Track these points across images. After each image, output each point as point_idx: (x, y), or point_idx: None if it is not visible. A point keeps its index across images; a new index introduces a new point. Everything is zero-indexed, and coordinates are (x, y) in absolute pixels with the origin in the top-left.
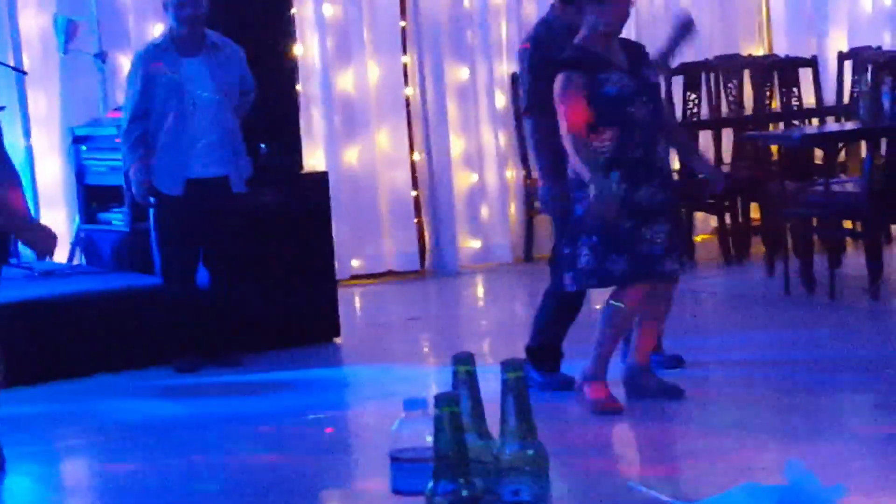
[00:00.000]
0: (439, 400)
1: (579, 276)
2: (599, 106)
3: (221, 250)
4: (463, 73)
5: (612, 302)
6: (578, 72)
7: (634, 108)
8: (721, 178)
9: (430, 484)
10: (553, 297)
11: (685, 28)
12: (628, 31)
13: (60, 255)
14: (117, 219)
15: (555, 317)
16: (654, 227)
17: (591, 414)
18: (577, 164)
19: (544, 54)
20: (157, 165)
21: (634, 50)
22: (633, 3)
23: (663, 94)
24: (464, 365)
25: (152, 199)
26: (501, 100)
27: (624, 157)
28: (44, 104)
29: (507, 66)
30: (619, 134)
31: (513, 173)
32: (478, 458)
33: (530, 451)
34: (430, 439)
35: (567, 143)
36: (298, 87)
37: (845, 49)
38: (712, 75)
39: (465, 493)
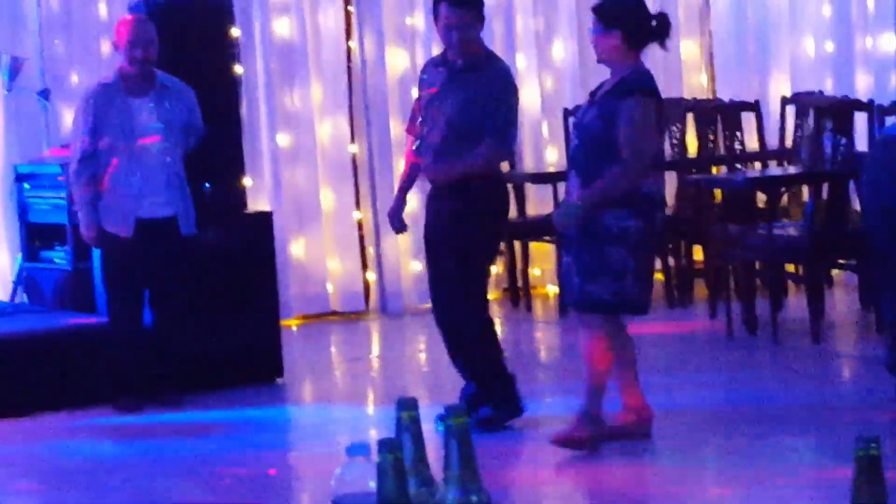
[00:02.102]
0: (382, 446)
1: None
2: None
3: (167, 291)
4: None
5: None
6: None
7: (572, 139)
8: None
9: None
10: None
11: None
12: (573, 64)
13: (2, 294)
14: (60, 257)
15: None
16: (565, 257)
17: (532, 460)
18: None
19: None
20: (105, 206)
21: (616, 86)
22: (593, 44)
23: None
24: (407, 410)
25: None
26: None
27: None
28: None
29: None
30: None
31: None
32: None
33: (473, 498)
34: (373, 485)
35: None
36: (243, 119)
37: (788, 94)
38: None
39: None
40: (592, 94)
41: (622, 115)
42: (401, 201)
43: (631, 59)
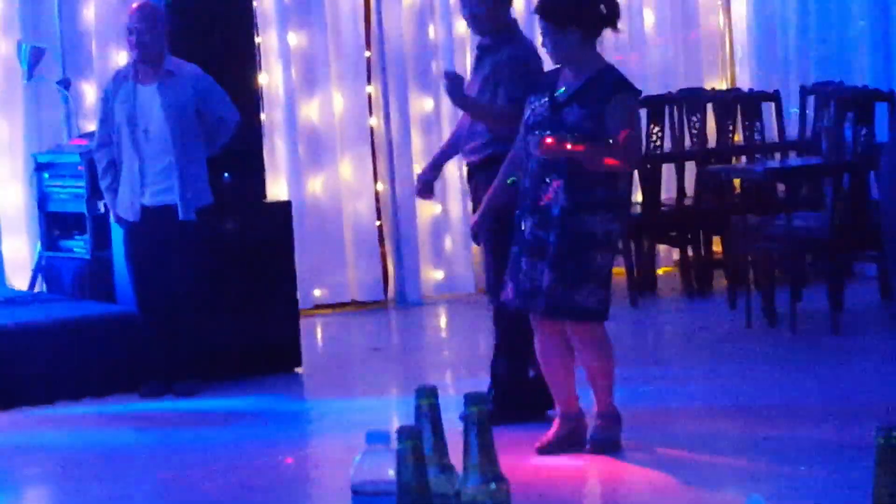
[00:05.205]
0: (402, 433)
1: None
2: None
3: (176, 279)
4: (427, 103)
5: None
6: (528, 96)
7: (532, 138)
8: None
9: None
10: None
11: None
12: None
13: (22, 283)
14: (79, 246)
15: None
16: (531, 261)
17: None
18: None
19: None
20: (119, 192)
21: (590, 84)
22: (547, 47)
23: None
24: (426, 398)
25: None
26: None
27: (522, 185)
28: (6, 131)
29: None
30: (524, 160)
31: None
32: (440, 491)
33: (492, 485)
34: (392, 473)
35: None
36: (262, 116)
37: (808, 84)
38: (676, 109)
39: None
40: (542, 92)
41: (616, 110)
42: (433, 165)
43: (593, 53)
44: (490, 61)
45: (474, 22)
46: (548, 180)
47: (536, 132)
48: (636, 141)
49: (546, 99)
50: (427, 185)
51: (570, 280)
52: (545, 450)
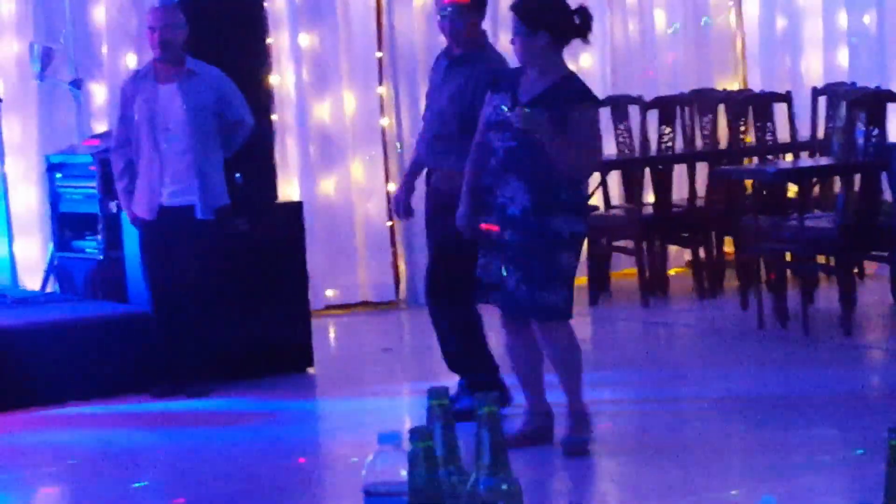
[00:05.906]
0: (414, 434)
1: None
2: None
3: (188, 279)
4: None
5: None
6: (490, 92)
7: (494, 136)
8: None
9: None
10: None
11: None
12: (603, 57)
13: (34, 283)
14: (91, 247)
15: None
16: (489, 257)
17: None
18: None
19: None
20: (137, 191)
21: (554, 89)
22: (515, 45)
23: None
24: (438, 399)
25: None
26: None
27: (478, 181)
28: (19, 131)
29: None
30: (485, 157)
31: None
32: (452, 493)
33: (504, 486)
34: (404, 474)
35: None
36: (274, 117)
37: (820, 85)
38: (687, 109)
39: None
40: (504, 91)
41: (581, 121)
42: (406, 187)
43: (559, 59)
44: (463, 73)
45: (455, 35)
46: (506, 179)
47: (501, 132)
48: (592, 154)
49: (508, 99)
50: (405, 206)
51: (536, 279)
52: (511, 444)
